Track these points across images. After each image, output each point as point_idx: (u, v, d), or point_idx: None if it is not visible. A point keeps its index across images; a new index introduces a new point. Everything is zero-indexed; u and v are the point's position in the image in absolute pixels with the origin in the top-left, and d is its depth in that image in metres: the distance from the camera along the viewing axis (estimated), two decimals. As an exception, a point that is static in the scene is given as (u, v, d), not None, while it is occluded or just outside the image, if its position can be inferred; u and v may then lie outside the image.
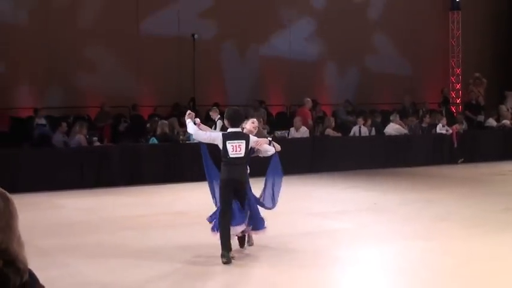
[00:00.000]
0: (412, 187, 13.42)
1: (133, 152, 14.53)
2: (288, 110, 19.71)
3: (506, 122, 19.76)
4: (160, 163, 14.41)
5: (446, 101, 21.23)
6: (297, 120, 16.65)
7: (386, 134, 17.59)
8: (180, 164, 14.61)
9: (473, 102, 19.95)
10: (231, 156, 7.13)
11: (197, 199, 12.36)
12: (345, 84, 20.97)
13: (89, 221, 10.13)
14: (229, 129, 7.31)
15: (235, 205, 7.20)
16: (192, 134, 7.48)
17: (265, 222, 7.54)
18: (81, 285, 6.29)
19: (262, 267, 6.98)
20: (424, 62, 22.24)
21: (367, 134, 17.47)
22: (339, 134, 17.13)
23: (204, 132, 7.54)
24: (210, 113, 15.70)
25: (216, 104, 16.84)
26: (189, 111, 7.81)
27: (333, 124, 17.42)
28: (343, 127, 17.79)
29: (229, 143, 7.14)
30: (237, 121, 7.35)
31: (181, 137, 15.43)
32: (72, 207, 11.35)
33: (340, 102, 20.03)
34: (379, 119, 18.63)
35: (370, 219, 9.80)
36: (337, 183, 13.94)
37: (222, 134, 7.28)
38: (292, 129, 16.54)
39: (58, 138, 14.52)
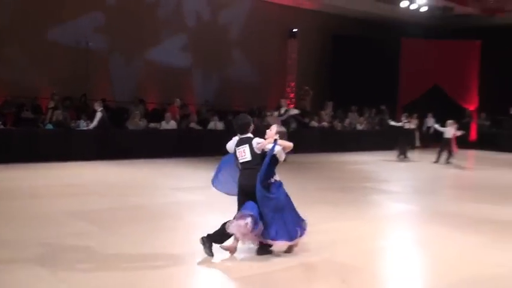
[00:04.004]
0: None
1: (32, 135, 14.02)
2: (161, 107, 19.66)
3: (325, 123, 20.90)
4: (54, 145, 14.03)
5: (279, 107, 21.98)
6: (168, 115, 16.75)
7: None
8: (70, 145, 14.30)
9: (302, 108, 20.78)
10: (240, 161, 6.05)
11: (85, 174, 12.26)
12: (208, 89, 21.23)
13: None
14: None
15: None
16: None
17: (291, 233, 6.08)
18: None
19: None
20: (269, 75, 22.95)
21: (223, 128, 17.86)
22: (201, 127, 17.38)
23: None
24: (95, 104, 15.46)
25: (103, 99, 16.57)
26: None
27: (196, 119, 17.65)
28: (205, 122, 18.05)
29: (237, 149, 6.07)
30: (242, 127, 6.09)
31: (72, 124, 15.09)
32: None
33: (203, 102, 20.31)
34: (230, 117, 19.06)
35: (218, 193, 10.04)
36: (197, 165, 14.17)
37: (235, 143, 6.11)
38: (163, 122, 16.62)
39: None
